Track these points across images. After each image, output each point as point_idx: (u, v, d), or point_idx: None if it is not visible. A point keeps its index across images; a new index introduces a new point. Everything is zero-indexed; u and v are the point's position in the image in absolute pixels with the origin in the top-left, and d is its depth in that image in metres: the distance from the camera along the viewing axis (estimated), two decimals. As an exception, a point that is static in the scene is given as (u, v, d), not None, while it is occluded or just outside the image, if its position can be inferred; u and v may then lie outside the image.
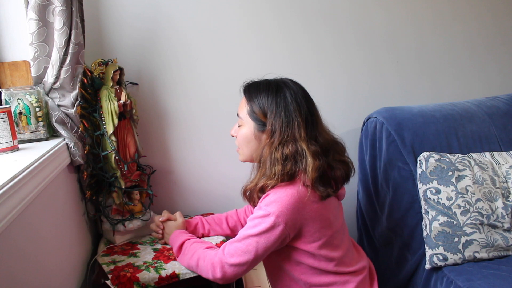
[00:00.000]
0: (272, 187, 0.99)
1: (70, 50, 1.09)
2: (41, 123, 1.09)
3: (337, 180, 1.05)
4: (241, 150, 1.10)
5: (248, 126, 1.06)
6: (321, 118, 1.08)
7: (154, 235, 1.27)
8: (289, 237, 0.99)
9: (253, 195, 1.04)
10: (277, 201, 0.96)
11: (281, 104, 1.01)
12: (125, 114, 1.27)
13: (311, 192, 0.97)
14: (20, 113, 1.07)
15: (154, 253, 1.20)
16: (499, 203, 1.31)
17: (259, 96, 1.04)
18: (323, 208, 1.01)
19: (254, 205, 1.04)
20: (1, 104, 1.09)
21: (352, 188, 1.64)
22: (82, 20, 1.18)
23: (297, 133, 0.99)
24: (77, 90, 1.14)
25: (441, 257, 1.25)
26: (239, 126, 1.10)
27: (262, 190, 1.02)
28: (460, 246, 1.25)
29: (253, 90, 1.06)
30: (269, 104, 1.02)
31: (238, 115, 1.10)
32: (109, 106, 1.21)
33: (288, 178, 0.98)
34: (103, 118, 1.22)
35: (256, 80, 1.10)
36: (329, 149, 1.04)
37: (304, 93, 1.06)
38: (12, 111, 1.04)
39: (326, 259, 1.03)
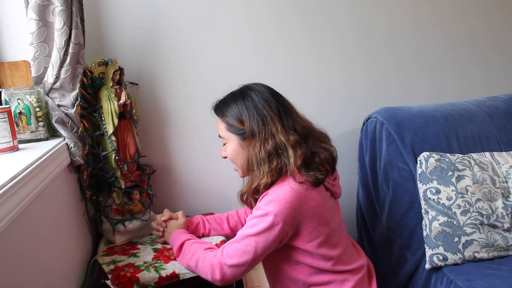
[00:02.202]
0: (266, 186, 1.01)
1: (70, 50, 1.09)
2: (41, 123, 1.09)
3: (323, 164, 1.04)
4: (237, 166, 1.12)
5: (232, 141, 1.08)
6: (294, 107, 1.10)
7: (154, 233, 1.28)
8: (287, 236, 0.99)
9: (249, 198, 1.06)
10: (275, 200, 0.97)
11: (250, 105, 1.04)
12: (125, 114, 1.27)
13: (301, 182, 0.98)
14: (20, 113, 1.07)
15: (154, 253, 1.20)
16: (499, 203, 1.31)
17: (229, 109, 1.07)
18: (320, 207, 1.01)
19: (252, 208, 1.05)
20: (1, 104, 1.09)
21: (352, 188, 1.64)
22: (82, 20, 1.18)
23: (274, 128, 1.02)
24: (77, 90, 1.14)
25: (441, 257, 1.25)
26: (224, 145, 1.12)
27: (257, 192, 1.03)
28: (460, 246, 1.25)
29: (222, 106, 1.10)
30: (240, 110, 1.05)
31: (219, 136, 1.12)
32: (109, 106, 1.21)
33: (278, 173, 1.00)
34: (103, 118, 1.22)
35: (222, 97, 1.12)
36: (308, 136, 1.05)
37: (269, 90, 1.08)
38: (12, 111, 1.04)
39: (324, 258, 1.03)
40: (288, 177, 0.99)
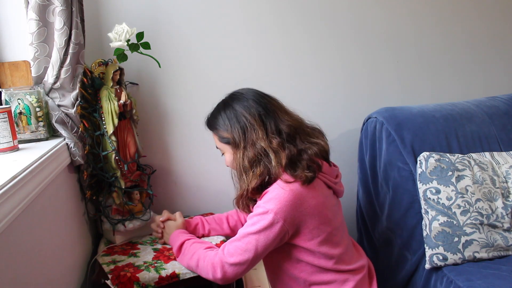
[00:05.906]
0: (258, 188, 1.02)
1: (70, 50, 1.09)
2: (41, 123, 1.09)
3: (313, 159, 1.03)
4: None
5: (227, 151, 1.10)
6: (283, 105, 1.09)
7: (154, 234, 1.28)
8: (288, 234, 0.99)
9: (244, 202, 1.07)
10: (276, 198, 0.97)
11: (231, 115, 1.05)
12: (125, 114, 1.27)
13: (290, 182, 0.98)
14: (20, 113, 1.07)
15: (154, 253, 1.20)
16: (499, 203, 1.31)
17: (216, 121, 1.08)
18: (322, 205, 1.01)
19: (249, 211, 1.06)
20: (1, 104, 1.09)
21: (352, 188, 1.64)
22: (82, 20, 1.18)
23: (254, 135, 1.02)
24: (77, 90, 1.14)
25: (441, 257, 1.25)
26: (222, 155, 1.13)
27: (252, 194, 1.04)
28: (460, 246, 1.25)
29: (211, 119, 1.11)
30: (224, 122, 1.06)
31: (216, 147, 1.13)
32: (109, 106, 1.21)
33: (267, 175, 1.02)
34: (103, 118, 1.22)
35: (211, 110, 1.13)
36: (295, 134, 1.04)
37: (251, 94, 1.08)
38: (12, 111, 1.04)
39: (325, 256, 1.04)
40: (279, 179, 1.00)
